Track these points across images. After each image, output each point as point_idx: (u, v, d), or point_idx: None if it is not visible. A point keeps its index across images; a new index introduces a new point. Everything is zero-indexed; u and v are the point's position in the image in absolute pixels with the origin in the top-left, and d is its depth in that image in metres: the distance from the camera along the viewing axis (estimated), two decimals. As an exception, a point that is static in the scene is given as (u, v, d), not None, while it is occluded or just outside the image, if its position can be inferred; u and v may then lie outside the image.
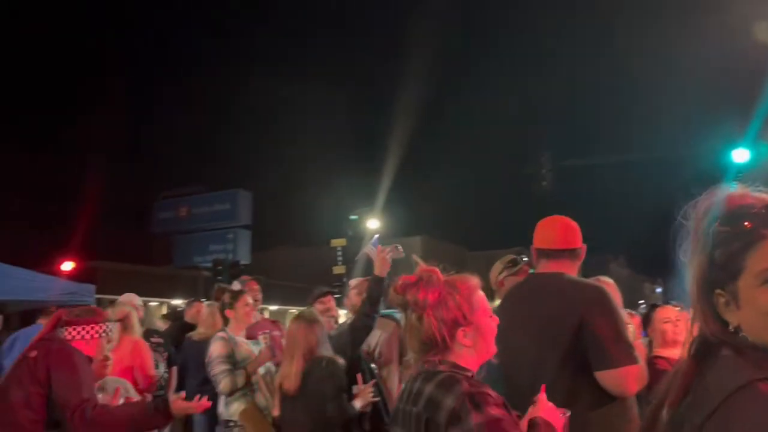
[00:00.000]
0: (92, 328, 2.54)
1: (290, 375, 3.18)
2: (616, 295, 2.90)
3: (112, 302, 4.75)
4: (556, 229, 2.55)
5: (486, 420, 1.46)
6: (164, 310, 13.93)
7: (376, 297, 3.51)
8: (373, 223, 20.89)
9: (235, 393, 3.64)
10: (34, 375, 2.29)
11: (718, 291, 1.00)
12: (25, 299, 8.53)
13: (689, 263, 1.04)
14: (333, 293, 4.31)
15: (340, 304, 4.94)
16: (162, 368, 4.78)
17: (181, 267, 31.07)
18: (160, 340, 4.87)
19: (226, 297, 3.99)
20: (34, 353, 2.38)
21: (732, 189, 1.06)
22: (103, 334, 2.60)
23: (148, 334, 4.93)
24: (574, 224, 2.57)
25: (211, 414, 3.76)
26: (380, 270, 3.52)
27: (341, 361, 3.28)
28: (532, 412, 1.68)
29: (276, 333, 4.08)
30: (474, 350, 1.67)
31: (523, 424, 1.65)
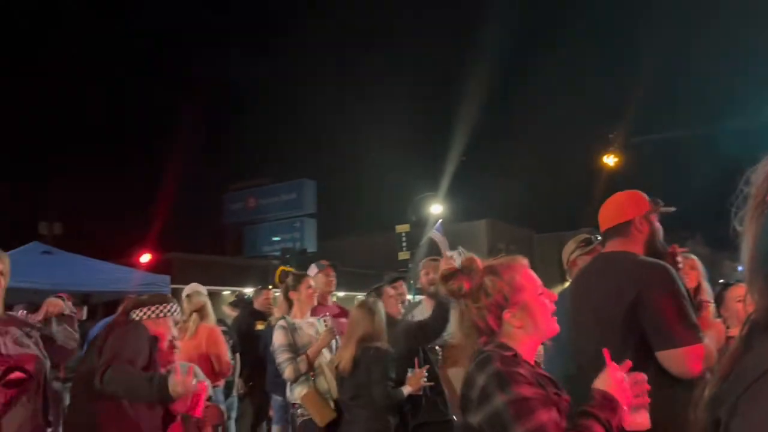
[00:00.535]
0: (157, 307, 2.63)
1: (344, 358, 3.38)
2: (692, 274, 2.75)
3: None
4: (608, 208, 2.46)
5: (511, 399, 1.44)
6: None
7: (446, 312, 3.57)
8: (436, 208, 20.77)
9: (300, 378, 3.72)
10: (99, 350, 2.40)
11: None
12: (108, 290, 9.03)
13: (745, 233, 0.95)
14: (404, 279, 4.34)
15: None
16: (228, 355, 4.94)
17: (251, 256, 32.05)
18: (225, 328, 5.03)
19: (290, 279, 4.05)
20: (104, 332, 2.50)
21: None
22: (169, 314, 2.68)
23: (216, 323, 5.10)
24: (627, 195, 2.44)
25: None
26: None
27: (392, 350, 3.38)
28: (596, 383, 1.61)
29: (342, 320, 4.14)
30: (526, 330, 1.65)
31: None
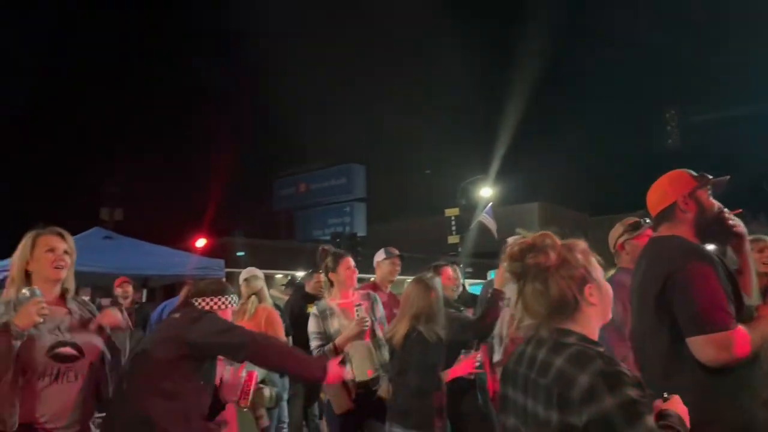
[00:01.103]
0: (219, 298, 2.71)
1: (398, 333, 3.38)
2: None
3: (239, 275, 5.05)
4: (652, 194, 2.36)
5: (621, 402, 1.40)
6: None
7: (496, 312, 3.58)
8: (486, 191, 20.54)
9: None
10: (175, 333, 2.48)
11: None
12: (166, 274, 9.35)
13: None
14: (450, 264, 4.29)
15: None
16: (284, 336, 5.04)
17: (303, 240, 32.56)
18: (278, 312, 5.12)
19: (329, 260, 4.01)
20: (177, 314, 2.60)
21: None
22: (230, 305, 2.77)
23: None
24: (668, 177, 2.34)
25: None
26: (501, 283, 3.58)
27: (439, 335, 3.34)
28: (666, 405, 1.60)
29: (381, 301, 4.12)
30: (599, 309, 1.62)
31: (655, 406, 1.57)
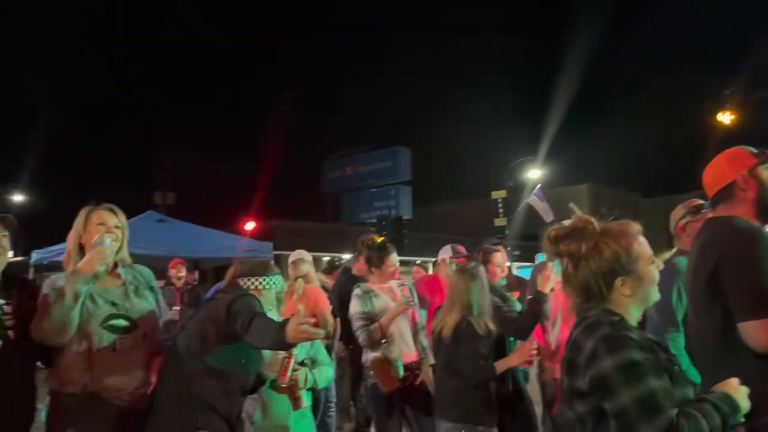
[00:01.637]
0: (264, 279, 2.78)
1: (447, 325, 3.34)
2: None
3: (287, 258, 5.13)
4: (709, 173, 2.25)
5: (620, 362, 1.41)
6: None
7: (537, 313, 3.54)
8: (534, 173, 20.17)
9: (375, 344, 3.76)
10: (217, 312, 2.55)
11: None
12: (217, 256, 9.60)
13: None
14: (496, 250, 4.12)
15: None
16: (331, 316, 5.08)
17: (349, 223, 32.77)
18: (325, 294, 5.18)
19: (374, 255, 4.00)
20: (220, 295, 2.67)
21: None
22: (273, 286, 2.82)
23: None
24: (725, 156, 2.22)
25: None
26: (544, 286, 3.52)
27: (488, 327, 3.30)
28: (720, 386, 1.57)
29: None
30: (634, 299, 1.61)
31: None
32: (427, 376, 3.73)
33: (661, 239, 1.76)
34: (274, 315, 2.82)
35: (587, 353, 1.48)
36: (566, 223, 1.70)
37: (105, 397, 2.36)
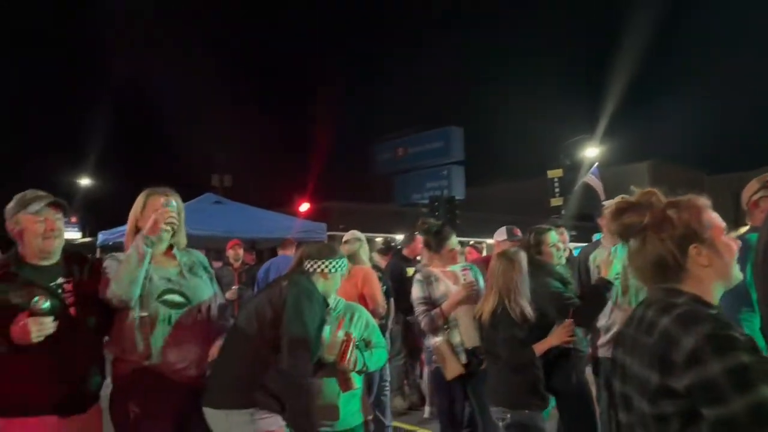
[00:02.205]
0: (330, 262, 2.81)
1: (485, 310, 3.31)
2: None
3: (341, 239, 5.17)
4: None
5: (730, 367, 1.28)
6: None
7: (601, 301, 3.38)
8: (592, 151, 19.60)
9: (436, 329, 3.73)
10: (278, 300, 2.60)
11: None
12: (272, 237, 9.78)
13: None
14: (556, 228, 3.96)
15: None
16: (382, 296, 5.08)
17: (401, 204, 32.81)
18: (380, 274, 5.20)
19: (432, 240, 3.95)
20: (285, 282, 2.71)
21: None
22: (339, 270, 2.85)
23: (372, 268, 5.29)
24: None
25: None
26: (607, 271, 3.35)
27: (525, 312, 3.21)
28: None
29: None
30: (713, 270, 1.49)
31: None
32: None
33: (727, 220, 1.66)
34: (331, 300, 2.86)
35: (687, 352, 1.34)
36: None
37: (162, 371, 2.46)
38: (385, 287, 4.95)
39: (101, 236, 9.41)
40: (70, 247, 2.58)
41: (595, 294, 3.39)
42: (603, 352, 3.67)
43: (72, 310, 2.40)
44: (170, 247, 2.68)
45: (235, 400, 2.46)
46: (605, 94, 22.37)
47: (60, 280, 2.43)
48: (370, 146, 39.02)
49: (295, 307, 2.52)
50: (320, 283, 2.77)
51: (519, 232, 4.70)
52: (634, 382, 1.49)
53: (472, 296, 3.70)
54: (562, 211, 18.83)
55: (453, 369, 3.61)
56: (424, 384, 5.86)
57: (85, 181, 26.16)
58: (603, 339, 3.68)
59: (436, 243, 3.92)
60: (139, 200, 2.67)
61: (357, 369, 2.85)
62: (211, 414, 2.48)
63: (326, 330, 2.78)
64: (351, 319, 2.96)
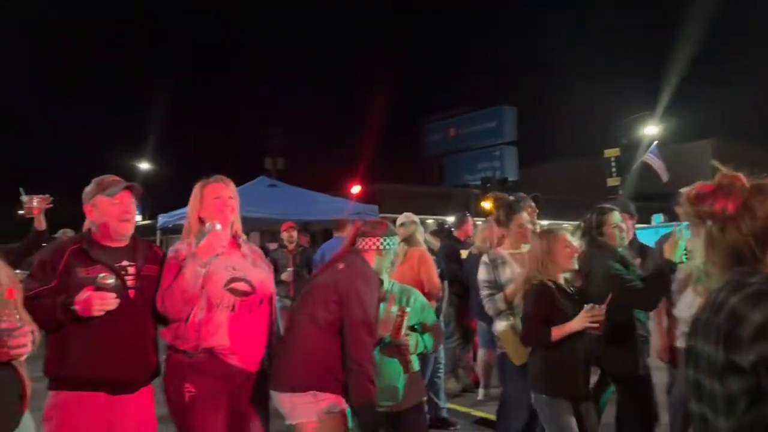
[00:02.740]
0: (385, 239, 2.80)
1: (518, 293, 3.27)
2: None
3: (393, 221, 5.17)
4: None
5: None
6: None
7: (665, 284, 3.22)
8: (650, 129, 18.88)
9: (501, 314, 3.63)
10: (334, 285, 2.63)
11: None
12: (325, 219, 9.89)
13: None
14: (612, 208, 3.69)
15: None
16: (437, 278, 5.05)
17: (453, 186, 32.53)
18: (434, 257, 5.17)
19: (501, 213, 3.83)
20: (341, 265, 2.73)
21: None
22: (392, 247, 2.85)
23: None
24: None
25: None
26: (671, 253, 3.14)
27: (548, 289, 3.04)
28: None
29: None
30: None
31: None
32: None
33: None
34: (385, 279, 2.86)
35: (754, 326, 1.30)
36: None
37: (219, 356, 2.51)
38: (439, 270, 4.92)
39: (161, 219, 9.70)
40: (138, 233, 2.66)
41: (658, 277, 3.22)
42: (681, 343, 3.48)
43: (131, 292, 2.48)
44: (234, 235, 2.73)
45: (298, 382, 2.52)
46: (666, 69, 21.45)
47: (124, 263, 2.51)
48: (421, 127, 38.80)
49: (355, 290, 2.54)
50: (375, 261, 2.78)
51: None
52: (704, 366, 1.43)
53: None
54: (620, 192, 18.26)
55: (520, 355, 3.44)
56: (478, 366, 5.84)
57: (144, 165, 27.08)
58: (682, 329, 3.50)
59: (504, 215, 3.79)
60: (196, 192, 2.72)
61: (417, 351, 2.85)
62: (275, 396, 2.55)
63: (380, 307, 2.79)
64: (407, 302, 2.94)
